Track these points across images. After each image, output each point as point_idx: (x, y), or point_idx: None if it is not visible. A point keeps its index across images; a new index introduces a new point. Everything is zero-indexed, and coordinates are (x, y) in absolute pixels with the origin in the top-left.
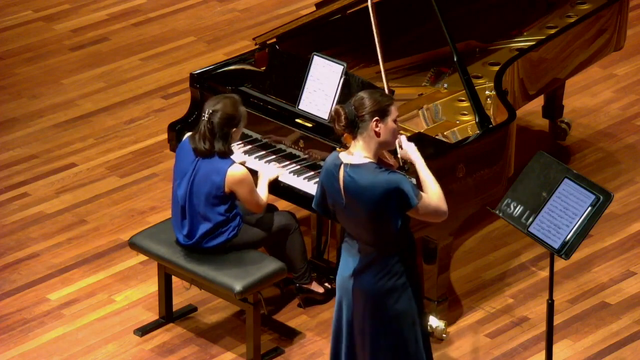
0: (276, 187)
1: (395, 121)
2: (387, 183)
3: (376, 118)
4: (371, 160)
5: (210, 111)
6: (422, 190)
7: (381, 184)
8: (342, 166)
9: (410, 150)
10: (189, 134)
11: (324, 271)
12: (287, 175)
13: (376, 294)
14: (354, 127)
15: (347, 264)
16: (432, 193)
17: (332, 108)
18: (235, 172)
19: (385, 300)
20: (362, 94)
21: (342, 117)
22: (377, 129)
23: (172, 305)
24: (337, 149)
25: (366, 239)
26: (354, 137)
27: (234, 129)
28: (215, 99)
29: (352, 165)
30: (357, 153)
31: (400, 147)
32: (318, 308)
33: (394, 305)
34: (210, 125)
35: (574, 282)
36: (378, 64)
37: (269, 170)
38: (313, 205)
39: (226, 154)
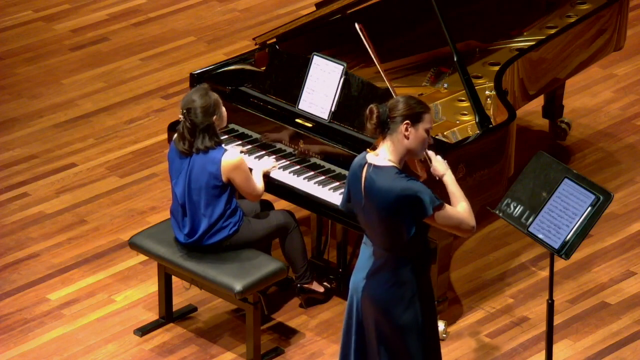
0: (276, 187)
1: (427, 131)
2: (403, 190)
3: (407, 122)
4: (394, 165)
5: (184, 111)
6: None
7: (397, 189)
8: (366, 166)
9: (439, 165)
10: (175, 135)
11: (324, 271)
12: (287, 175)
13: (383, 301)
14: (384, 127)
15: (362, 265)
16: (460, 207)
17: (368, 107)
18: (230, 158)
19: (391, 310)
20: (399, 97)
21: (375, 116)
22: (406, 133)
23: (172, 305)
24: (368, 149)
25: (380, 243)
26: (383, 138)
27: (215, 117)
28: (185, 97)
29: (375, 167)
30: (382, 154)
31: (430, 161)
32: (318, 308)
33: (400, 316)
34: (190, 125)
35: (574, 282)
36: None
37: (264, 162)
38: (340, 206)
39: (214, 146)
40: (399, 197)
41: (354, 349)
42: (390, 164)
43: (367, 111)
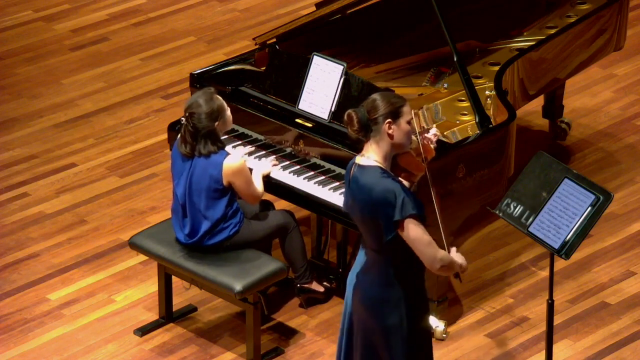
0: (276, 187)
1: (409, 122)
2: (384, 189)
3: (389, 120)
4: (379, 164)
5: (187, 114)
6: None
7: (379, 188)
8: (353, 166)
9: (457, 258)
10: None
11: (324, 271)
12: (287, 175)
13: (370, 301)
14: (367, 130)
15: (357, 263)
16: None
17: (345, 113)
18: (231, 163)
19: (377, 310)
20: (374, 97)
21: (355, 121)
22: (390, 131)
23: (172, 305)
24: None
25: (368, 243)
26: (367, 140)
27: (217, 123)
28: (190, 100)
29: (360, 166)
30: (367, 155)
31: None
32: (318, 308)
33: (385, 318)
34: (192, 129)
35: (574, 282)
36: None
37: (263, 164)
38: (343, 207)
39: (216, 151)
40: (379, 195)
41: (344, 345)
42: (375, 163)
43: (346, 117)
